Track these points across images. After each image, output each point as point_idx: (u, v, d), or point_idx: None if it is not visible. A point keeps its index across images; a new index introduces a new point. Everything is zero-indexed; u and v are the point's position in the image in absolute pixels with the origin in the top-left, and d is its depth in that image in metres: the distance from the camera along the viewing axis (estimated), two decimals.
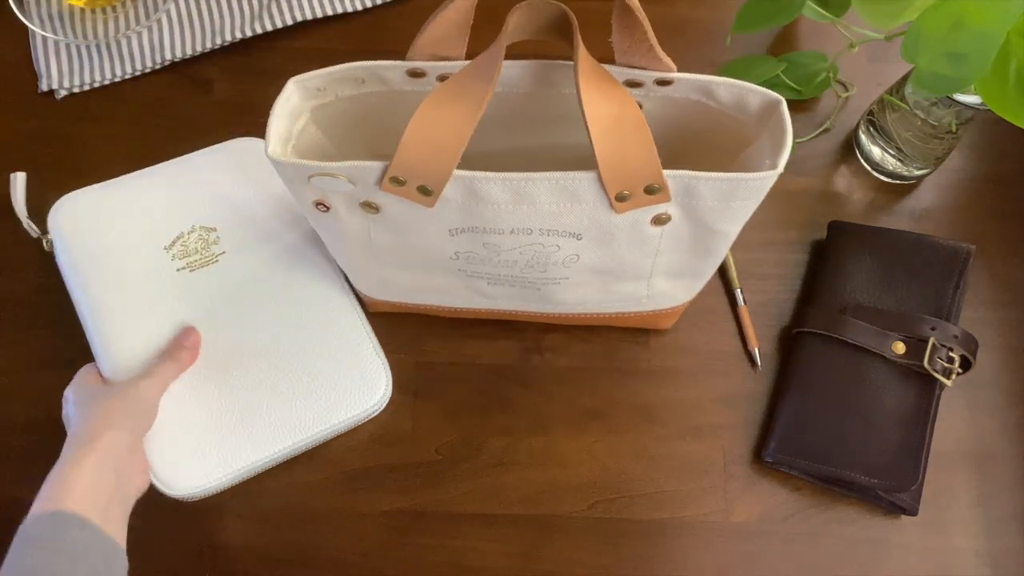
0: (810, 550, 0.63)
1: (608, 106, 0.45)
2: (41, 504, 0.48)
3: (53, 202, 0.68)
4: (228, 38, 0.75)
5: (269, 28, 0.75)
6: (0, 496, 0.62)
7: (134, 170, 0.72)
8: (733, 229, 0.54)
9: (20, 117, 0.74)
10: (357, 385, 0.62)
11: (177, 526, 0.62)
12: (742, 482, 0.64)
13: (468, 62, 0.49)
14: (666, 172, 0.47)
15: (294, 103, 0.51)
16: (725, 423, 0.66)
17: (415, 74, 0.52)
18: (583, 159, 0.48)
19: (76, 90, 0.74)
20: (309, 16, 0.76)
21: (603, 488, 0.64)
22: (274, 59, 0.76)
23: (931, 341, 0.63)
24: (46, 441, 0.64)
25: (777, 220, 0.71)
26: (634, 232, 0.52)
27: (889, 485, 0.61)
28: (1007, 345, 0.68)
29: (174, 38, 0.75)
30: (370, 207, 0.50)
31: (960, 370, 0.63)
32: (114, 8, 0.75)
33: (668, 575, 0.62)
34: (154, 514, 0.58)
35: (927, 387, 0.63)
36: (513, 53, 0.48)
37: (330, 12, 0.76)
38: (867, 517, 0.63)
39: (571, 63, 0.46)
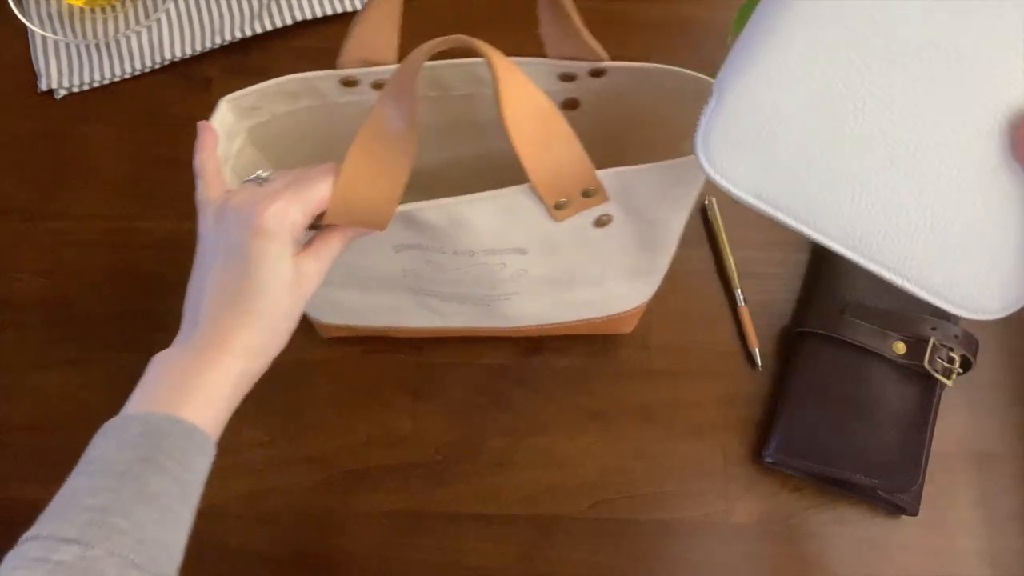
0: (811, 550, 0.62)
1: (532, 121, 0.43)
2: (168, 405, 0.40)
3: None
4: (228, 37, 0.75)
5: (269, 28, 0.75)
6: (0, 496, 0.62)
7: (134, 170, 0.72)
8: (677, 218, 0.53)
9: (19, 117, 0.73)
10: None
11: None
12: (742, 482, 0.64)
13: (399, 66, 0.48)
14: (599, 172, 0.46)
15: (228, 123, 0.50)
16: (725, 423, 0.66)
17: (348, 83, 0.50)
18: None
19: (75, 90, 0.74)
20: (309, 16, 0.75)
21: (603, 488, 0.64)
22: (274, 59, 0.76)
23: (932, 341, 0.63)
24: (46, 441, 0.64)
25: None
26: (578, 237, 0.51)
27: (890, 485, 0.61)
28: (1007, 345, 0.68)
29: (173, 38, 0.75)
30: (313, 227, 0.47)
31: (960, 370, 0.63)
32: (113, 8, 0.75)
33: (668, 575, 0.62)
34: None
35: (928, 387, 0.63)
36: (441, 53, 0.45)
37: (330, 12, 0.76)
38: (868, 517, 0.63)
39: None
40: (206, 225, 0.44)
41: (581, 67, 0.50)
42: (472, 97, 0.52)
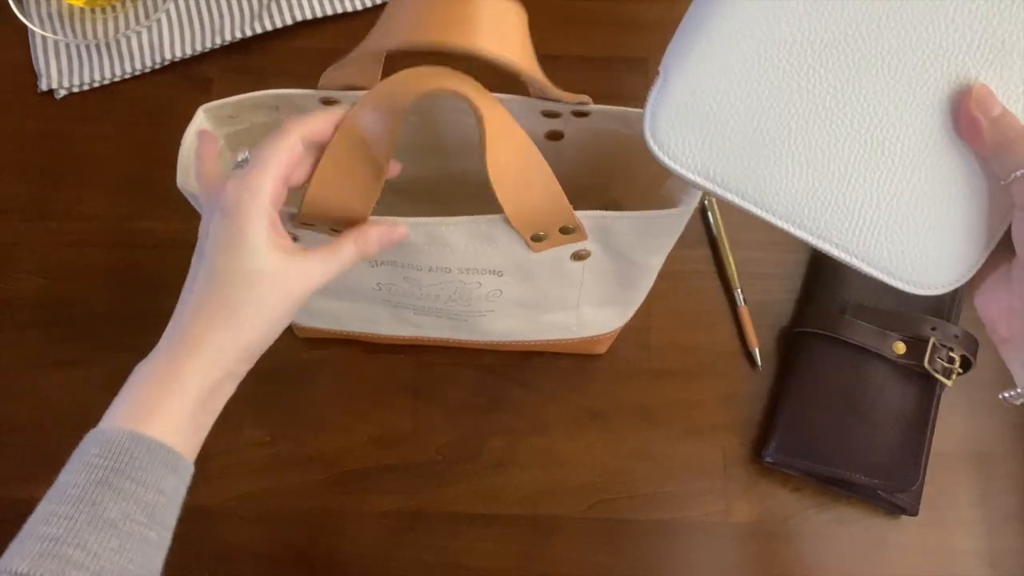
0: (810, 550, 0.62)
1: (514, 161, 0.43)
2: (132, 420, 0.37)
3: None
4: (228, 38, 0.75)
5: (269, 28, 0.75)
6: (0, 496, 0.62)
7: (134, 170, 0.72)
8: (655, 260, 0.53)
9: (20, 117, 0.73)
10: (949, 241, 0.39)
11: (176, 526, 0.62)
12: (742, 482, 0.64)
13: None
14: (578, 213, 0.46)
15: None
16: (725, 423, 0.66)
17: (328, 102, 0.50)
18: None
19: (76, 90, 0.74)
20: (309, 16, 0.75)
21: (603, 488, 0.64)
22: (274, 59, 0.75)
23: (931, 341, 0.63)
24: (46, 441, 0.64)
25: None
26: (555, 268, 0.51)
27: (889, 485, 0.61)
28: None
29: (174, 38, 0.75)
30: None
31: (960, 370, 0.63)
32: (114, 8, 0.75)
33: (668, 575, 0.62)
34: None
35: (927, 387, 0.63)
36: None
37: (330, 12, 0.76)
38: (867, 517, 0.63)
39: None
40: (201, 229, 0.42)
41: (564, 107, 0.49)
42: (455, 123, 0.52)
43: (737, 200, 0.39)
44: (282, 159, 0.39)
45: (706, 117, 0.38)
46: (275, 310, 0.39)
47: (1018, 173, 0.36)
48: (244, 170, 0.39)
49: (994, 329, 0.40)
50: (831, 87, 0.37)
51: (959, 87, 0.37)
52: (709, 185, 0.39)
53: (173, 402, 0.38)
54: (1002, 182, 0.37)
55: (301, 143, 0.40)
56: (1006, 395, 0.40)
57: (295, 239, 0.47)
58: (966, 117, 0.37)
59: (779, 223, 0.39)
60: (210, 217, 0.40)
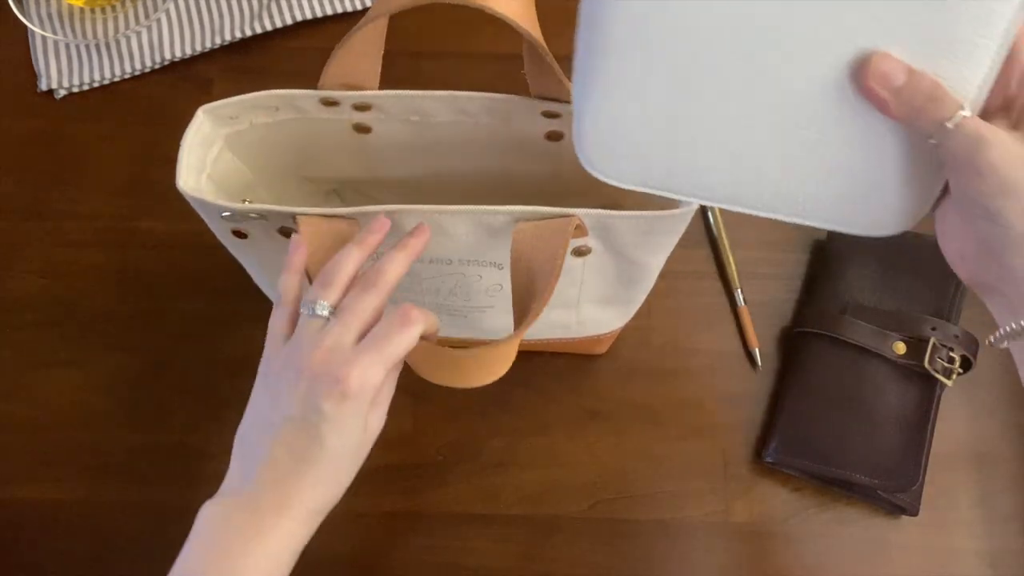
0: (810, 551, 0.62)
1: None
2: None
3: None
4: (228, 37, 0.75)
5: (269, 28, 0.75)
6: (0, 496, 0.62)
7: (134, 170, 0.71)
8: (656, 260, 0.53)
9: (19, 117, 0.73)
10: (890, 191, 0.40)
11: (176, 528, 0.62)
12: (742, 482, 0.64)
13: (383, 92, 0.49)
14: (580, 211, 0.46)
15: (205, 132, 0.49)
16: (725, 423, 0.66)
17: (329, 103, 0.50)
18: (510, 184, 0.47)
19: (75, 90, 0.74)
20: (309, 16, 0.75)
21: (603, 488, 0.64)
22: (274, 59, 0.75)
23: (932, 341, 0.63)
24: (46, 441, 0.64)
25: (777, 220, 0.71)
26: None
27: (890, 485, 0.61)
28: None
29: (174, 38, 0.75)
30: (287, 232, 0.48)
31: (961, 370, 0.63)
32: (113, 8, 0.75)
33: (668, 575, 0.62)
34: None
35: (928, 387, 0.63)
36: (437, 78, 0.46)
37: (330, 12, 0.76)
38: (868, 517, 0.63)
39: (480, 94, 0.47)
40: (274, 364, 0.42)
41: (564, 108, 0.49)
42: (456, 124, 0.52)
43: (681, 198, 0.41)
44: (403, 350, 0.41)
45: (626, 140, 0.40)
46: (357, 467, 0.43)
47: (933, 141, 0.36)
48: (364, 355, 0.40)
49: (955, 271, 0.41)
50: (739, 79, 0.38)
51: (861, 58, 0.36)
52: (651, 191, 0.41)
53: (265, 562, 0.39)
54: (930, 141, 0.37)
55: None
56: (991, 339, 0.40)
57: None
58: (869, 94, 0.36)
59: (728, 207, 0.41)
60: (324, 391, 0.40)
